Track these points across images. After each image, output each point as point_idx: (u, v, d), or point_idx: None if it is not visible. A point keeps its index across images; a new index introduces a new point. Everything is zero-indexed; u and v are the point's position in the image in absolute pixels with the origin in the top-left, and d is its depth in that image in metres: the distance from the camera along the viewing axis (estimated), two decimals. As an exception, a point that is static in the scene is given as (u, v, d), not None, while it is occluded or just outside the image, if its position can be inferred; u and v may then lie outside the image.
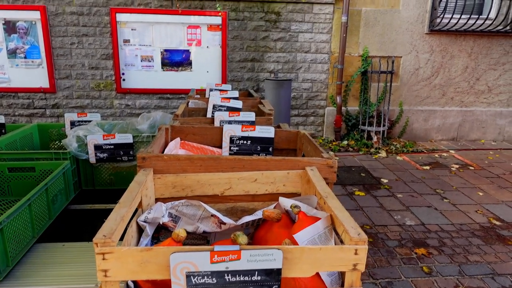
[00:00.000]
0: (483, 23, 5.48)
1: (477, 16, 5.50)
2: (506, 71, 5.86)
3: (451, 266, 2.67)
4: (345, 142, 5.58)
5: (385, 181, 4.21)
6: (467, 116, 5.96)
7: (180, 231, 1.13)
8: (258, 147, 1.92)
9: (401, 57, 5.67)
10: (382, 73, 5.55)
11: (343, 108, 5.73)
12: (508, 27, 5.59)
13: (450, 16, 5.40)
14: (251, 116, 2.32)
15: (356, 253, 0.96)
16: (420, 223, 3.27)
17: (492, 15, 5.64)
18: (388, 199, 3.72)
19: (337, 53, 5.56)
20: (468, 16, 5.34)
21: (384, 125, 5.60)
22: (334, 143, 5.60)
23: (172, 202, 1.32)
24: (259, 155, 1.91)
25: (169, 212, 1.32)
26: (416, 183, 4.17)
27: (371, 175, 4.38)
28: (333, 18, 5.48)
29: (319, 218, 1.20)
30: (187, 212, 1.31)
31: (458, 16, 5.34)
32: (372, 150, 5.29)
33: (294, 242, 1.15)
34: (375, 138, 5.46)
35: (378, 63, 5.59)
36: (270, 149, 1.90)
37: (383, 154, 5.17)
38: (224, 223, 1.30)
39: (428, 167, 4.70)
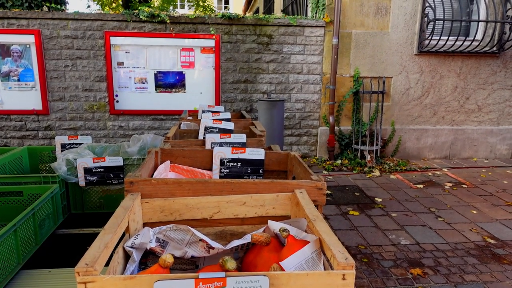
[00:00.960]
0: (470, 44, 5.62)
1: (464, 37, 5.66)
2: (495, 90, 5.97)
3: (447, 286, 2.63)
4: (339, 162, 5.59)
5: (379, 200, 4.20)
6: (459, 135, 6.03)
7: (167, 257, 1.11)
8: (249, 169, 1.91)
9: (391, 77, 5.77)
10: (373, 93, 5.63)
11: (336, 127, 5.77)
12: (494, 48, 5.74)
13: (438, 37, 5.54)
14: (242, 138, 2.33)
15: (343, 278, 0.95)
16: (415, 242, 3.25)
17: (479, 36, 5.80)
18: (382, 219, 3.70)
19: (329, 74, 5.65)
20: (456, 37, 5.49)
21: (377, 144, 5.63)
22: (327, 162, 5.61)
23: (160, 227, 1.30)
24: (249, 177, 1.90)
25: (156, 237, 1.30)
26: (410, 202, 4.17)
27: (365, 194, 4.37)
28: (324, 40, 5.59)
29: (308, 242, 1.19)
30: (175, 237, 1.29)
31: (446, 37, 5.49)
32: (366, 169, 5.30)
33: (283, 268, 1.13)
34: (368, 157, 5.48)
35: (370, 84, 5.68)
36: (261, 171, 1.90)
37: (376, 173, 5.18)
38: (213, 248, 1.28)
39: (421, 186, 4.71)
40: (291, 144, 5.84)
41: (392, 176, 5.11)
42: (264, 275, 0.90)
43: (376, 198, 4.24)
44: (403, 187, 4.67)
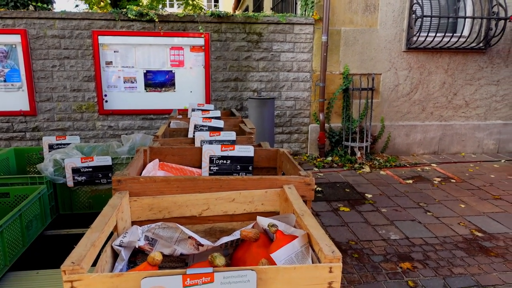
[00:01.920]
0: (458, 40, 5.70)
1: (451, 34, 5.73)
2: (482, 86, 6.06)
3: (436, 279, 2.67)
4: (329, 158, 5.63)
5: (369, 196, 4.24)
6: (447, 130, 6.11)
7: (155, 255, 1.11)
8: (238, 166, 1.92)
9: (380, 74, 5.82)
10: (363, 90, 5.67)
11: (326, 124, 5.80)
12: (481, 44, 5.83)
13: (426, 34, 5.60)
14: (231, 135, 2.33)
15: (330, 271, 0.96)
16: (404, 237, 3.29)
17: (466, 32, 5.88)
18: (372, 214, 3.74)
19: (318, 71, 5.67)
20: (443, 34, 5.56)
21: (367, 141, 5.68)
22: (318, 159, 5.64)
23: (149, 225, 1.30)
24: (239, 174, 1.91)
25: (145, 235, 1.30)
26: (400, 197, 4.22)
27: (355, 191, 4.40)
28: (314, 37, 5.61)
29: (297, 237, 1.20)
30: (163, 234, 1.29)
31: (434, 34, 5.55)
32: (356, 165, 5.34)
33: (272, 262, 1.14)
34: (358, 154, 5.53)
35: (359, 81, 5.72)
36: (250, 168, 1.90)
37: (367, 169, 5.22)
38: (202, 245, 1.28)
39: (411, 181, 4.77)
40: (282, 142, 5.85)
41: (382, 172, 5.16)
42: (252, 270, 0.91)
43: (366, 194, 4.28)
44: (392, 182, 4.72)
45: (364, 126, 5.74)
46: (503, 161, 5.79)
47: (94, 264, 1.05)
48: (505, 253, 3.02)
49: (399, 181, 4.77)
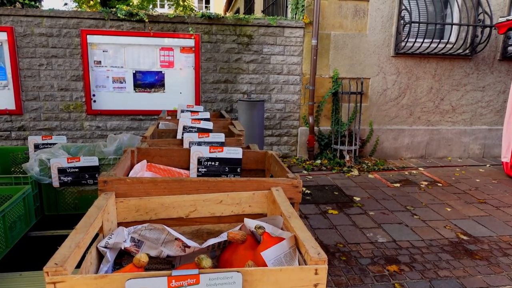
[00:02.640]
0: (445, 46, 5.80)
1: (438, 40, 5.83)
2: (468, 91, 6.18)
3: (422, 282, 2.70)
4: (319, 161, 5.66)
5: (358, 199, 4.27)
6: (434, 135, 6.21)
7: (141, 256, 1.10)
8: (226, 168, 1.91)
9: (369, 78, 5.89)
10: (352, 94, 5.72)
11: (315, 128, 5.84)
12: (467, 51, 5.94)
13: (414, 40, 5.69)
14: (220, 137, 2.32)
15: (316, 273, 0.96)
16: (391, 240, 3.32)
17: (453, 39, 5.99)
18: (360, 217, 3.77)
19: (308, 74, 5.71)
20: (431, 40, 5.65)
21: (355, 144, 5.73)
22: (307, 162, 5.67)
23: (135, 226, 1.28)
24: (227, 176, 1.90)
25: (131, 237, 1.28)
26: (387, 200, 4.26)
27: (344, 194, 4.44)
28: (304, 41, 5.65)
29: (284, 239, 1.20)
30: (150, 236, 1.27)
31: (421, 40, 5.64)
32: (345, 168, 5.38)
33: (258, 264, 1.14)
34: (347, 157, 5.57)
35: (348, 84, 5.78)
36: (238, 170, 1.90)
37: (355, 172, 5.27)
38: (189, 246, 1.28)
39: (398, 185, 4.82)
40: (271, 144, 5.87)
41: (370, 176, 5.21)
42: (238, 271, 0.90)
43: (354, 197, 4.32)
44: (380, 186, 4.77)
45: (353, 130, 5.80)
46: (488, 165, 5.90)
47: (79, 266, 1.03)
48: (490, 256, 3.07)
49: (387, 185, 4.82)
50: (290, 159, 5.85)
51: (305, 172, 5.29)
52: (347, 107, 5.81)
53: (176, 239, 1.28)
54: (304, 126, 5.88)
